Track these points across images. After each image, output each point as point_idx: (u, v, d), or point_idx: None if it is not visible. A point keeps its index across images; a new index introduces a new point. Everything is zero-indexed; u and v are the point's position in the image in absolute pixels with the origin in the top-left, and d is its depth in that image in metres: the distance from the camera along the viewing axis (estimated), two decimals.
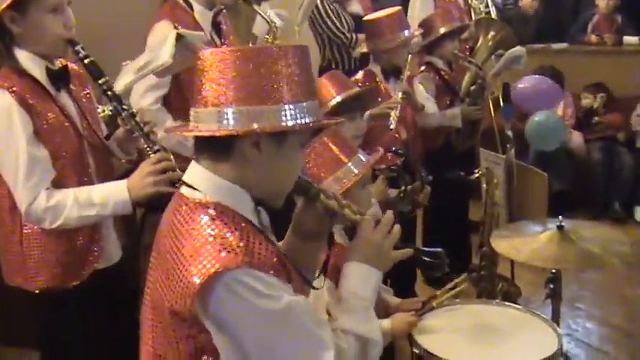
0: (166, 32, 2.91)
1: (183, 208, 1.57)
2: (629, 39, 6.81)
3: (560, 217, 2.74)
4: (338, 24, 5.45)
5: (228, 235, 1.48)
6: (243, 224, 1.53)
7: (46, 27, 2.36)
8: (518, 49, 4.63)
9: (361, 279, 1.75)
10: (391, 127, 3.83)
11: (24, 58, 2.38)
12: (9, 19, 2.33)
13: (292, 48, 1.56)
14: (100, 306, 2.51)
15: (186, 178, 1.62)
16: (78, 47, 2.42)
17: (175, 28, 2.82)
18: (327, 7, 5.47)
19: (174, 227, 1.55)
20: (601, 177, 6.13)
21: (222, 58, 1.52)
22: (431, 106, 4.36)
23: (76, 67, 2.56)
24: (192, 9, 3.12)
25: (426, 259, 1.91)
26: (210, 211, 1.53)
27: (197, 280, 1.44)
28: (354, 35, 5.36)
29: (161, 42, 2.84)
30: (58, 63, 2.50)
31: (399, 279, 4.16)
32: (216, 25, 3.21)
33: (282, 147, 1.57)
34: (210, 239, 1.48)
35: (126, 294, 2.55)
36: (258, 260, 1.47)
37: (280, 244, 1.83)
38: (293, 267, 1.63)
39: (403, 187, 3.17)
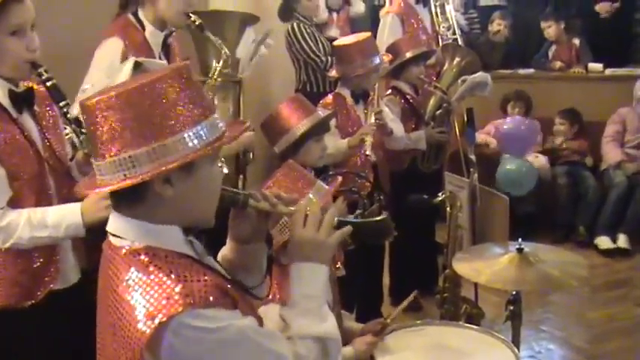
0: (115, 49, 2.97)
1: (116, 259, 1.54)
2: (593, 66, 6.89)
3: (520, 240, 2.80)
4: (314, 47, 5.52)
5: (165, 279, 1.46)
6: (177, 261, 1.51)
7: (8, 49, 2.37)
8: (481, 75, 4.72)
9: (307, 278, 1.72)
10: (367, 152, 3.89)
11: None
12: None
13: (174, 71, 1.51)
14: (57, 327, 2.50)
15: (110, 228, 1.59)
16: (41, 70, 2.43)
17: (126, 46, 2.88)
18: (304, 31, 5.54)
19: (112, 281, 1.53)
20: (566, 201, 6.20)
21: (108, 105, 1.46)
22: (398, 128, 4.42)
23: (42, 89, 2.56)
24: (143, 28, 3.12)
25: (367, 228, 1.88)
26: (142, 257, 1.50)
27: (144, 332, 1.42)
28: (329, 58, 5.43)
29: (111, 60, 2.90)
30: (24, 85, 2.51)
31: (365, 300, 4.22)
32: (165, 47, 3.21)
33: (193, 173, 1.53)
34: (149, 289, 1.45)
35: (84, 315, 2.55)
36: (200, 298, 1.45)
37: (222, 252, 1.84)
38: (235, 286, 1.62)
39: (361, 210, 3.21)
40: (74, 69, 2.95)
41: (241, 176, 3.74)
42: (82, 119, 1.81)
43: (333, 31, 6.22)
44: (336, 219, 1.77)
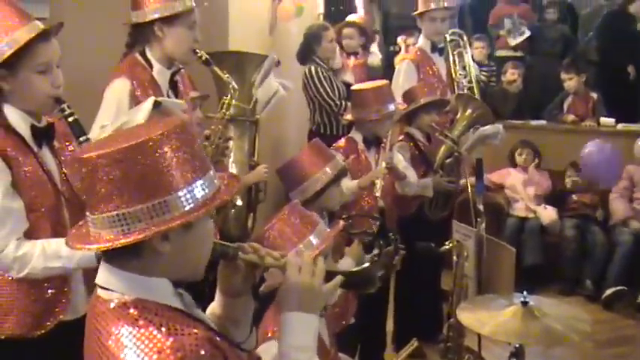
0: (123, 89, 3.03)
1: (105, 313, 1.53)
2: (605, 120, 6.92)
3: (524, 292, 2.82)
4: (329, 90, 5.61)
5: (155, 333, 1.46)
6: (167, 314, 1.51)
7: (34, 86, 2.46)
8: (491, 128, 4.79)
9: (298, 329, 1.73)
10: (377, 194, 3.94)
11: (11, 114, 2.48)
12: (0, 77, 2.44)
13: (172, 128, 1.52)
14: (64, 358, 2.47)
15: (99, 281, 1.59)
16: (64, 105, 2.51)
17: (133, 85, 2.95)
18: (321, 74, 5.64)
19: (100, 335, 1.52)
20: (573, 254, 6.18)
21: (108, 161, 1.47)
22: (411, 174, 4.46)
23: (62, 125, 2.63)
24: (151, 67, 3.17)
25: (355, 278, 1.92)
26: (132, 310, 1.50)
27: None
28: (343, 102, 5.51)
29: (119, 101, 2.97)
30: (45, 120, 2.59)
31: (367, 346, 4.22)
32: (173, 84, 3.27)
33: (191, 229, 1.55)
34: (139, 343, 1.45)
35: None
36: (191, 352, 1.45)
37: (210, 307, 1.86)
38: (224, 339, 1.62)
39: (377, 251, 3.24)
40: (88, 105, 3.02)
41: (251, 214, 3.79)
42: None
43: (348, 76, 6.32)
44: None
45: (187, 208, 1.51)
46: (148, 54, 3.18)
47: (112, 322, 1.50)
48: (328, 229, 2.48)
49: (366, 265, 1.99)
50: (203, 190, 1.54)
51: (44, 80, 2.47)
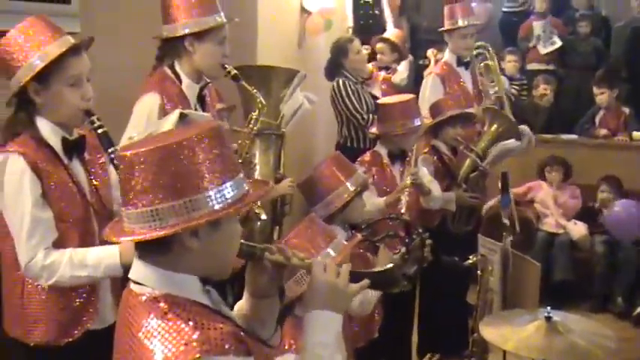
0: (153, 104, 3.08)
1: (137, 306, 1.60)
2: (638, 134, 6.85)
3: (548, 308, 2.81)
4: (357, 104, 5.63)
5: (183, 326, 1.52)
6: (195, 309, 1.58)
7: (65, 99, 2.53)
8: (513, 142, 4.77)
9: (321, 326, 1.78)
10: (402, 210, 3.94)
11: (44, 127, 2.56)
12: (33, 91, 2.52)
13: (207, 131, 1.60)
14: None
15: (132, 275, 1.66)
16: (93, 118, 2.58)
17: (162, 100, 2.99)
18: (349, 88, 5.66)
19: (131, 327, 1.59)
20: (603, 270, 6.10)
21: (144, 159, 1.55)
22: (436, 188, 4.44)
23: (92, 137, 2.69)
24: (180, 81, 3.22)
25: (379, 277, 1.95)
26: (162, 304, 1.57)
27: None
28: (371, 116, 5.52)
29: (148, 115, 3.02)
30: (76, 133, 2.66)
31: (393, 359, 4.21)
32: (201, 98, 3.30)
33: (219, 227, 1.62)
34: (167, 335, 1.52)
35: None
36: (215, 346, 1.51)
37: (237, 306, 1.91)
38: (250, 335, 1.68)
39: (404, 249, 3.24)
40: (117, 118, 3.08)
41: (277, 227, 3.81)
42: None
43: (376, 90, 6.34)
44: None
45: (216, 207, 1.57)
46: (177, 68, 3.22)
47: (143, 315, 1.57)
48: (345, 242, 2.50)
49: (390, 265, 2.00)
50: (232, 191, 1.60)
51: (75, 93, 2.54)
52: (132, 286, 1.66)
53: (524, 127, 4.93)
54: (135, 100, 3.17)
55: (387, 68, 6.81)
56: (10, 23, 2.59)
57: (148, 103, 3.13)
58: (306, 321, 1.80)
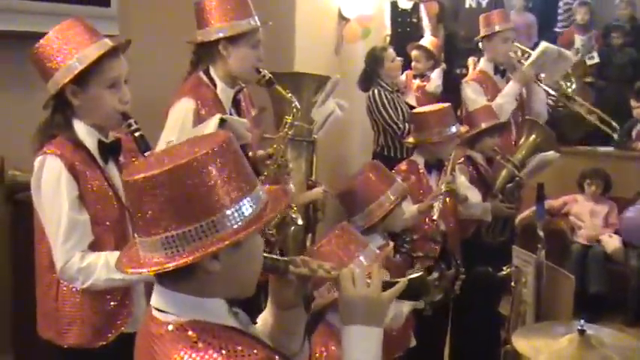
0: (187, 110, 3.09)
1: (164, 336, 1.49)
2: None
3: (582, 321, 2.77)
4: (393, 114, 5.64)
5: (215, 356, 1.43)
6: (225, 335, 1.48)
7: (102, 101, 2.55)
8: (552, 154, 4.71)
9: (360, 342, 1.70)
10: (434, 217, 3.92)
11: (80, 129, 2.58)
12: (70, 93, 2.54)
13: (217, 146, 1.48)
14: None
15: (154, 303, 1.57)
16: (130, 121, 2.59)
17: (197, 105, 3.00)
18: (385, 98, 5.67)
19: (156, 356, 1.49)
20: (637, 284, 6.01)
21: (154, 184, 1.44)
22: (473, 195, 4.40)
23: (128, 140, 2.70)
24: (215, 85, 3.22)
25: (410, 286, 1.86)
26: (190, 333, 1.46)
27: None
28: (407, 125, 5.52)
29: (183, 121, 3.04)
30: (112, 135, 2.68)
31: None
32: (235, 103, 3.31)
33: (240, 247, 1.52)
34: None
35: None
36: None
37: (262, 316, 1.85)
38: (282, 356, 1.59)
39: (438, 274, 3.23)
40: (154, 121, 3.10)
41: (310, 234, 3.80)
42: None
43: (410, 98, 6.33)
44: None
45: (235, 226, 1.48)
46: (212, 72, 3.24)
47: (172, 348, 1.47)
48: (378, 251, 2.49)
49: (421, 272, 1.94)
50: (250, 207, 1.51)
51: (112, 96, 2.56)
52: (154, 312, 1.56)
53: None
54: (171, 103, 3.19)
55: (422, 76, 6.80)
56: (50, 25, 2.61)
57: (183, 108, 3.14)
58: (342, 337, 1.73)
